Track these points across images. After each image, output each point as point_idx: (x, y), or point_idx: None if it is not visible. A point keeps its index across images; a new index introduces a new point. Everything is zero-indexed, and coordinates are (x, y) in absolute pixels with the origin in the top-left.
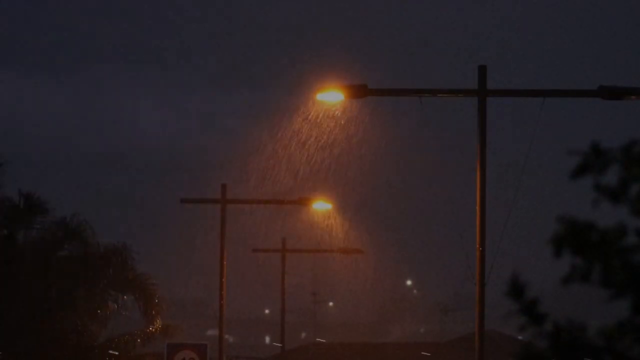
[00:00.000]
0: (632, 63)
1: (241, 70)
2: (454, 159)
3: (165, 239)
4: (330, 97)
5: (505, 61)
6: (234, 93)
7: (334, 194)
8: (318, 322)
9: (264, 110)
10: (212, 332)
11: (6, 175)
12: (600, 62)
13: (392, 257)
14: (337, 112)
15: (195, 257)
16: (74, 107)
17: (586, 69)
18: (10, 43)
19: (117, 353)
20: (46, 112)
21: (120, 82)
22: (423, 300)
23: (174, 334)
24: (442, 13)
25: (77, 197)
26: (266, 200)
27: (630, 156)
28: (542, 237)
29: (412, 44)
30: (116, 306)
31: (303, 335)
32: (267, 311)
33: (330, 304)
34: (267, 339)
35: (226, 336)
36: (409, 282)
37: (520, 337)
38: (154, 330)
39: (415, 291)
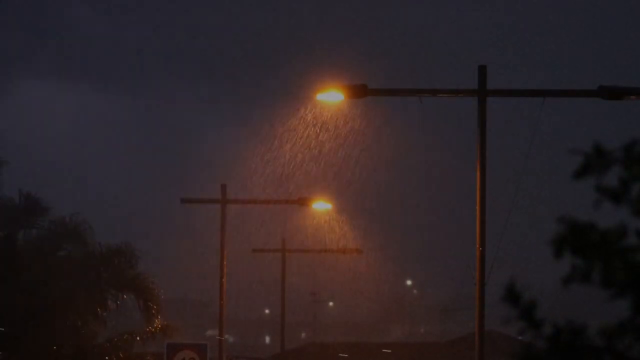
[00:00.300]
0: (632, 63)
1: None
2: (453, 159)
3: (165, 239)
4: (330, 97)
5: (505, 61)
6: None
7: (334, 194)
8: (318, 322)
9: (265, 110)
10: (212, 332)
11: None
12: (600, 62)
13: (392, 257)
14: (337, 112)
15: (195, 257)
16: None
17: (586, 69)
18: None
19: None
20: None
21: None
22: (423, 300)
23: (174, 334)
24: (442, 13)
25: (77, 198)
26: (266, 200)
27: (631, 156)
28: (543, 237)
29: (412, 44)
30: (117, 305)
31: (303, 335)
32: (267, 311)
33: (330, 304)
34: (267, 339)
35: (226, 336)
36: (409, 282)
37: (520, 338)
38: (153, 329)
39: (415, 291)
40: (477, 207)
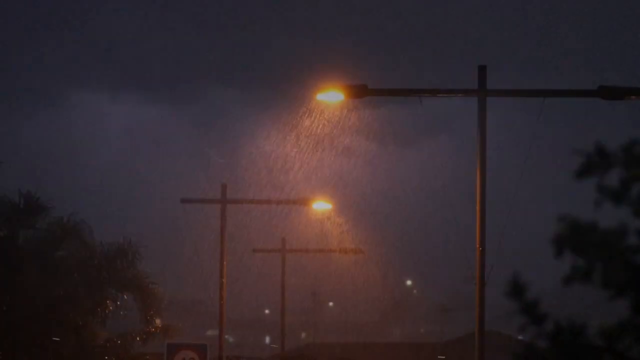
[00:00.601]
0: (632, 63)
1: (241, 70)
2: (454, 159)
3: (165, 239)
4: (330, 97)
5: (505, 61)
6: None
7: (334, 193)
8: (318, 322)
9: (264, 109)
10: (212, 332)
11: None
12: (600, 62)
13: (392, 257)
14: (337, 112)
15: (195, 257)
16: None
17: (586, 69)
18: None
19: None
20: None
21: None
22: (423, 300)
23: (174, 334)
24: (443, 12)
25: (80, 198)
26: (266, 200)
27: (631, 156)
28: (543, 237)
29: (412, 43)
30: (116, 304)
31: (303, 335)
32: (267, 311)
33: (330, 304)
34: (267, 339)
35: (226, 336)
36: (409, 282)
37: (520, 337)
38: (153, 329)
39: (415, 291)
40: (477, 207)
